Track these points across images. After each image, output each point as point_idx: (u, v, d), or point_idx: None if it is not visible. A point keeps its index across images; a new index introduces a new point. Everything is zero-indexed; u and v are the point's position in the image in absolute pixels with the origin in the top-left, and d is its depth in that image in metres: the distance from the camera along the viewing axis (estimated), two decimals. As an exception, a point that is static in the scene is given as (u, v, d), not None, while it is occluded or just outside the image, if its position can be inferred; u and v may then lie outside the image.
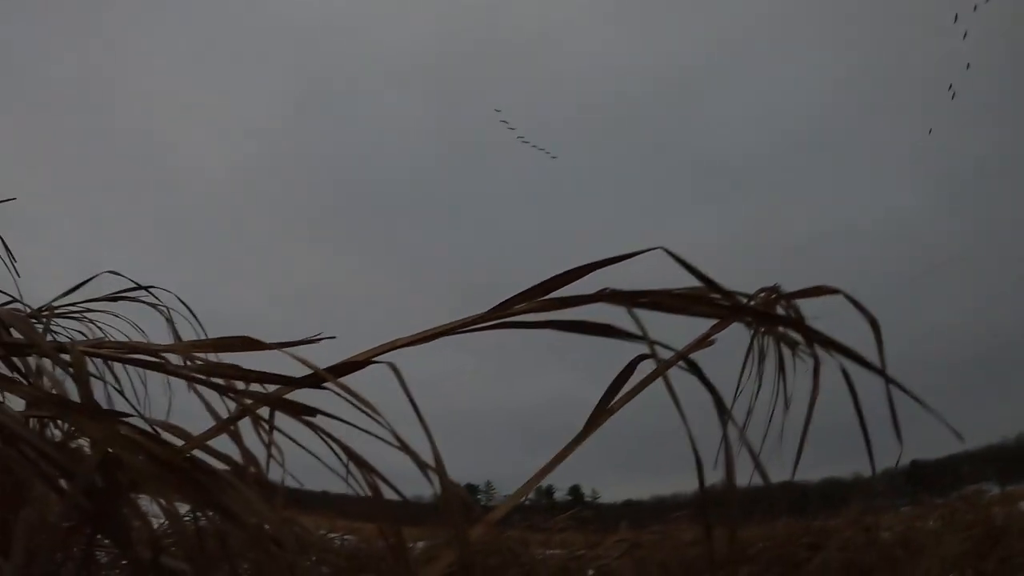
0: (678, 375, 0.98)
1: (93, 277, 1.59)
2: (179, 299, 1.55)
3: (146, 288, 1.57)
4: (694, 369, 1.03)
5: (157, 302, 1.56)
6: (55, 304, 1.49)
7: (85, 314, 1.48)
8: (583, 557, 4.08)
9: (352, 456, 0.85)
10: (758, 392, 1.24)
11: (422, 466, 0.82)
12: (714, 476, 0.95)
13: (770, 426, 1.14)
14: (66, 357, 0.81)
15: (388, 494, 0.88)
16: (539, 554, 4.13)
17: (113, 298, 1.55)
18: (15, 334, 0.96)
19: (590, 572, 4.32)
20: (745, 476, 0.98)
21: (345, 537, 4.26)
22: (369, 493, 0.85)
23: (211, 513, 0.86)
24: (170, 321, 1.55)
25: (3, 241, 1.69)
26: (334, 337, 0.98)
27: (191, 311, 1.54)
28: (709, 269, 1.02)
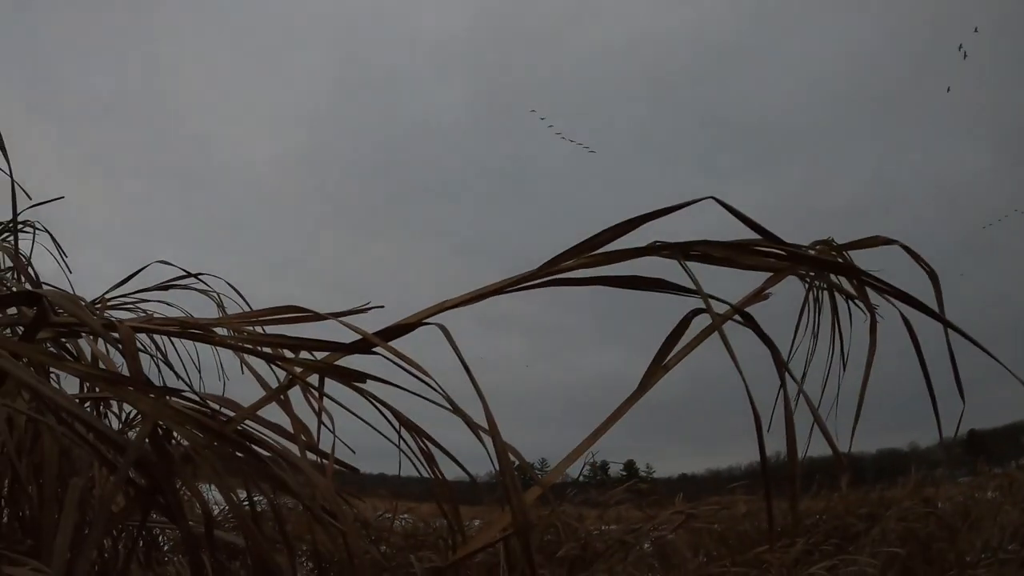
0: (733, 330, 0.96)
1: (144, 267, 1.60)
2: (229, 284, 1.56)
3: (196, 275, 1.58)
4: (750, 323, 1.00)
5: (208, 288, 1.57)
6: (108, 296, 1.50)
7: (138, 304, 1.49)
8: (639, 531, 4.04)
9: (404, 422, 0.83)
10: (813, 350, 1.20)
11: (474, 427, 0.80)
12: (771, 444, 0.92)
13: (825, 388, 1.11)
14: (115, 335, 0.81)
15: (442, 461, 0.87)
16: (595, 529, 4.12)
17: (164, 287, 1.56)
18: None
19: (646, 545, 4.30)
20: (801, 444, 0.95)
21: (403, 516, 4.29)
22: (422, 459, 0.84)
23: (264, 485, 0.85)
24: (221, 307, 1.56)
25: (54, 239, 1.71)
26: (382, 306, 0.97)
27: (241, 296, 1.54)
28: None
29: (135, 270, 1.58)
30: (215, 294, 1.57)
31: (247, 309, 1.49)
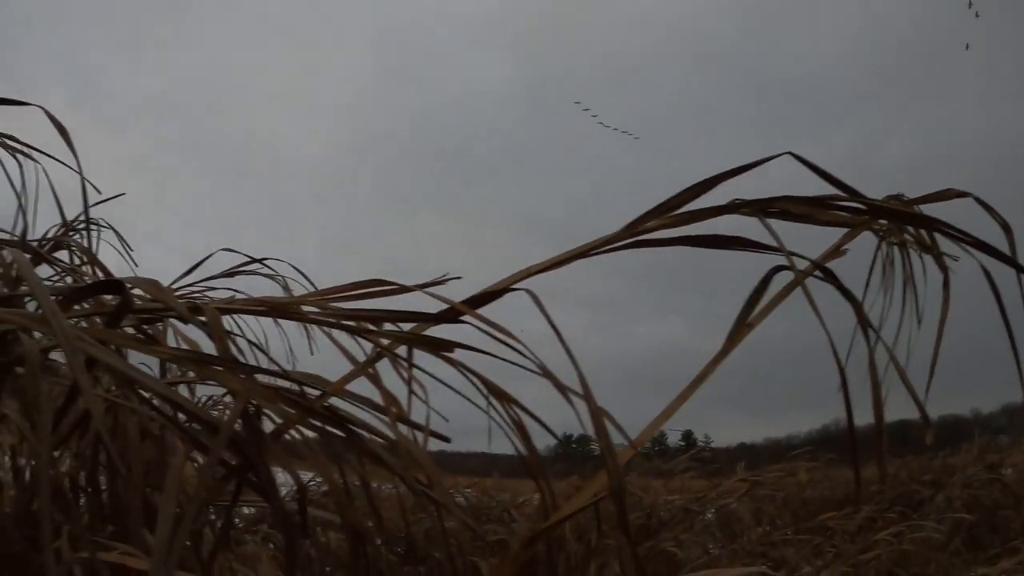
0: (801, 296, 0.94)
1: (209, 256, 1.61)
2: (294, 267, 1.56)
3: (260, 260, 1.58)
4: (831, 278, 0.97)
5: (274, 273, 1.57)
6: (175, 286, 1.51)
7: (205, 293, 1.50)
8: (704, 499, 4.03)
9: (494, 390, 0.82)
10: (888, 308, 1.17)
11: (563, 389, 0.79)
12: (835, 411, 0.90)
13: (895, 348, 1.07)
14: (201, 318, 0.81)
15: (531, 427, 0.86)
16: (660, 498, 4.11)
17: (230, 273, 1.57)
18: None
19: (709, 514, 4.28)
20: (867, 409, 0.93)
21: (465, 490, 4.33)
22: (512, 427, 0.83)
23: (354, 459, 0.85)
24: (287, 290, 1.56)
25: (119, 235, 1.72)
26: (460, 277, 0.96)
27: (306, 277, 1.54)
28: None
29: (198, 261, 1.60)
30: (281, 278, 1.58)
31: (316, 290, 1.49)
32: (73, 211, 1.57)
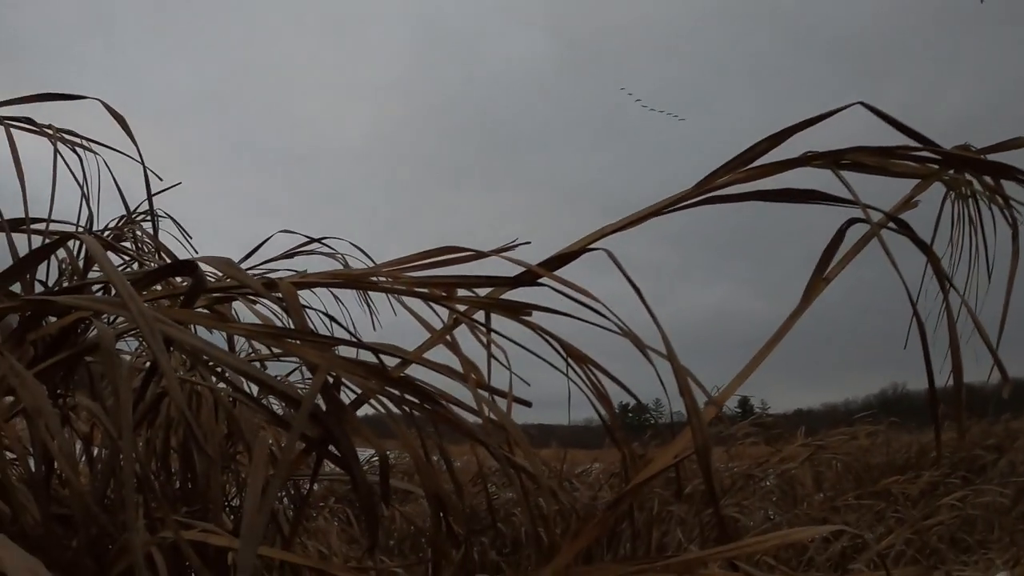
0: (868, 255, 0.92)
1: (268, 238, 1.62)
2: (353, 244, 1.56)
3: (319, 240, 1.58)
4: (906, 230, 0.95)
5: (333, 251, 1.57)
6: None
7: (266, 275, 1.51)
8: (765, 465, 3.99)
9: (573, 353, 0.81)
10: (957, 262, 1.14)
11: (642, 347, 0.77)
12: (893, 373, 0.88)
13: (964, 299, 1.04)
14: (276, 294, 0.80)
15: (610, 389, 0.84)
16: (721, 465, 4.09)
17: (290, 254, 1.57)
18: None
19: (770, 480, 4.24)
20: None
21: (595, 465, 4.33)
22: (590, 388, 0.82)
23: (435, 429, 0.85)
24: (347, 267, 1.56)
25: (177, 224, 1.74)
26: (529, 242, 0.95)
27: (366, 254, 1.54)
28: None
29: (258, 244, 1.60)
30: (340, 256, 1.58)
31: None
32: (130, 202, 1.59)
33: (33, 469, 1.26)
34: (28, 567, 0.56)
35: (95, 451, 1.38)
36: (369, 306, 1.15)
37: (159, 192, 1.51)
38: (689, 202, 0.86)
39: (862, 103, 0.97)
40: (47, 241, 1.32)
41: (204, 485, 1.17)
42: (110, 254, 1.39)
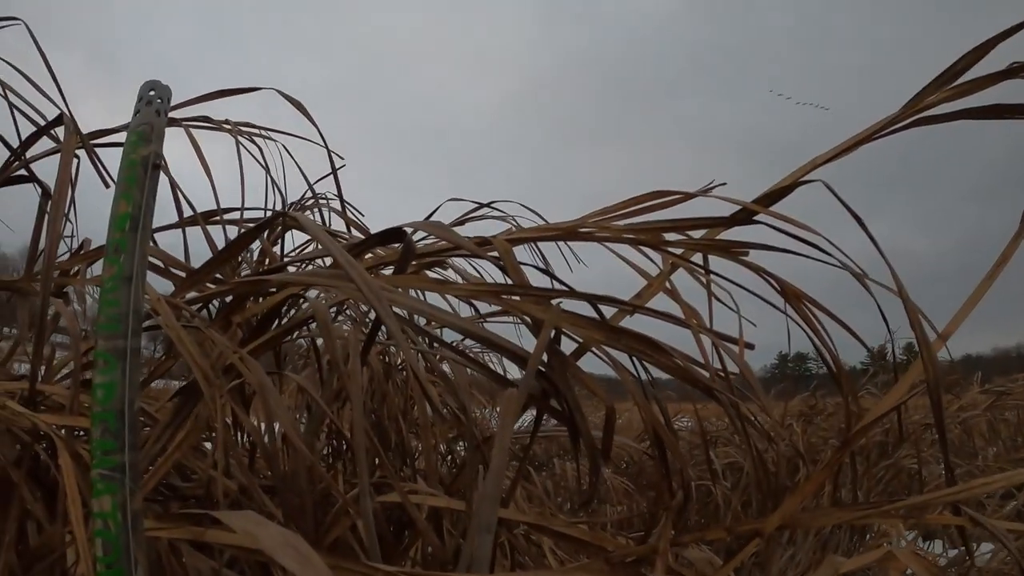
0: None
1: (438, 207, 1.65)
2: (523, 206, 1.56)
3: (488, 204, 1.60)
4: None
5: (503, 213, 1.59)
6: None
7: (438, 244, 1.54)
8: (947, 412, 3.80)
9: (792, 291, 0.79)
10: None
11: (862, 278, 0.75)
12: None
13: None
14: (491, 253, 0.82)
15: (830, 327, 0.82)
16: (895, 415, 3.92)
17: (461, 221, 1.60)
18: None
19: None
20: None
21: (683, 419, 4.28)
22: (812, 329, 0.80)
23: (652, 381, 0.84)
24: (520, 228, 1.57)
25: (344, 203, 1.80)
26: (725, 183, 0.92)
27: (537, 214, 1.54)
28: None
29: (429, 213, 1.64)
30: (512, 219, 1.59)
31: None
32: (297, 185, 1.65)
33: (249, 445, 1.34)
34: (287, 542, 0.57)
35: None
36: (576, 257, 1.15)
37: (338, 169, 1.56)
38: (899, 125, 0.82)
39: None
40: (244, 228, 1.40)
41: (410, 450, 1.22)
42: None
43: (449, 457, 1.88)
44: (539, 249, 1.05)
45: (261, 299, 1.12)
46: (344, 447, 1.50)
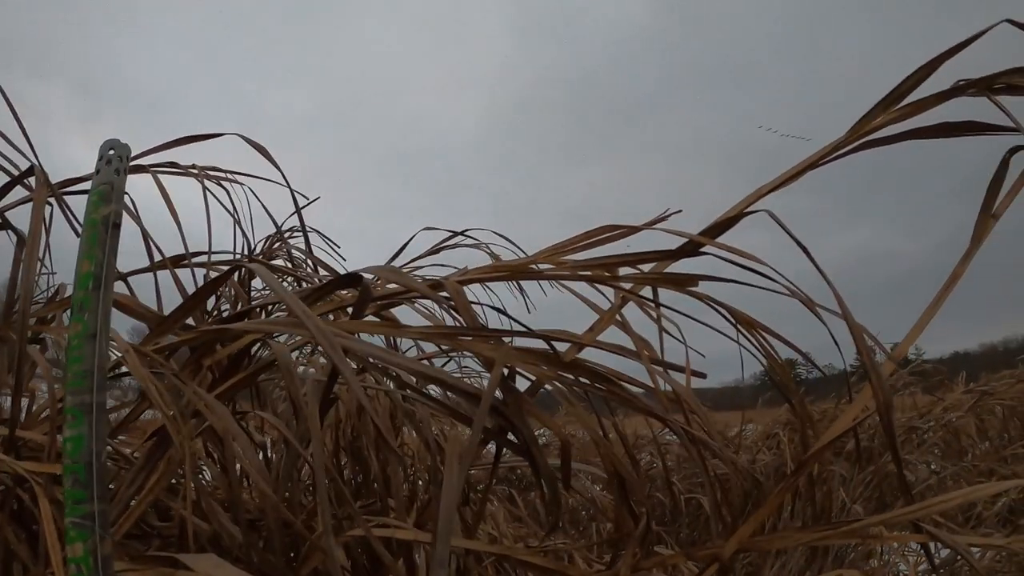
0: None
1: (412, 238, 1.66)
2: (496, 233, 1.57)
3: (461, 233, 1.61)
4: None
5: (477, 242, 1.59)
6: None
7: (413, 273, 1.55)
8: (928, 415, 3.82)
9: (741, 319, 0.80)
10: None
11: (810, 304, 0.76)
12: None
13: None
14: (442, 294, 0.83)
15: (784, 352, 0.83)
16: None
17: (435, 250, 1.61)
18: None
19: (930, 432, 4.06)
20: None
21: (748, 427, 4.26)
22: (761, 353, 0.81)
23: (609, 408, 0.85)
24: (495, 256, 1.58)
25: (324, 236, 1.80)
26: (680, 211, 0.94)
27: (511, 241, 1.55)
28: None
29: (402, 244, 1.65)
30: (485, 246, 1.60)
31: (521, 255, 1.51)
32: (264, 225, 1.66)
33: (216, 485, 1.35)
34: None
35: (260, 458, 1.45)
36: (523, 293, 1.16)
37: (303, 207, 1.57)
38: (845, 150, 0.84)
39: (1009, 20, 0.91)
40: (212, 274, 1.41)
41: (382, 482, 1.22)
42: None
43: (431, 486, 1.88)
44: (490, 288, 1.06)
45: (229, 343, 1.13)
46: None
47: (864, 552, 2.82)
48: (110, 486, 1.09)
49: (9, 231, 1.40)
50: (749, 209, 0.80)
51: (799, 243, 0.74)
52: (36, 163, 1.36)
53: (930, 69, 0.88)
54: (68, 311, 1.40)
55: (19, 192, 1.43)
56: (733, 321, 0.80)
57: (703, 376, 0.82)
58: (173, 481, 1.23)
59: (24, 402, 1.28)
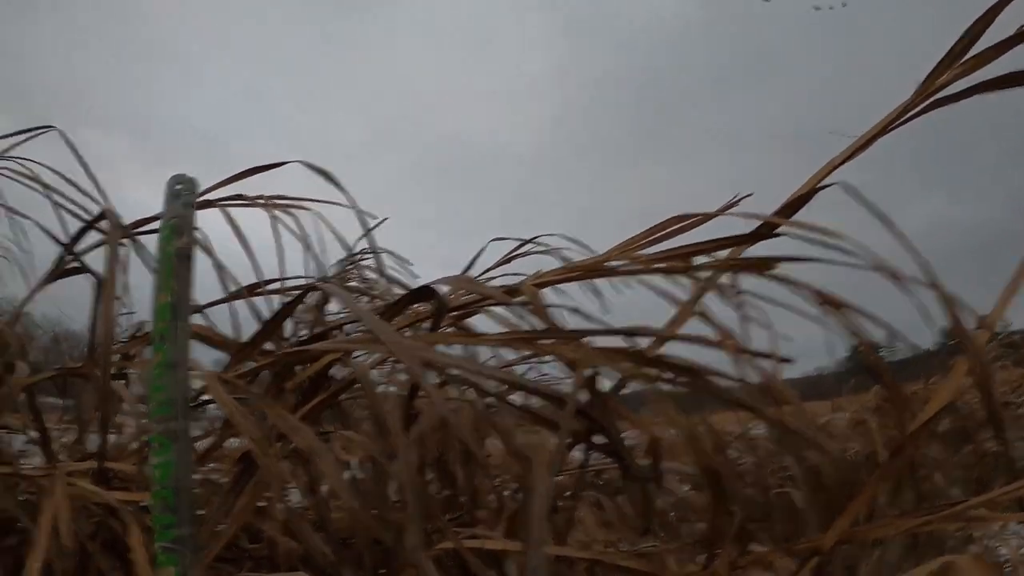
0: None
1: (483, 249, 1.66)
2: (567, 238, 1.55)
3: (531, 240, 1.60)
4: None
5: (547, 247, 1.58)
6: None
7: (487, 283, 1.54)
8: (1021, 388, 3.67)
9: (825, 299, 0.78)
10: None
11: (900, 278, 0.73)
12: None
13: None
14: (519, 299, 0.83)
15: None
16: (970, 396, 3.79)
17: (506, 260, 1.60)
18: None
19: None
20: None
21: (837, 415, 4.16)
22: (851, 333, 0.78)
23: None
24: (566, 260, 1.56)
25: (393, 254, 1.81)
26: (751, 194, 0.92)
27: (582, 244, 1.53)
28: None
29: (473, 256, 1.65)
30: (557, 252, 1.58)
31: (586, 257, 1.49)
32: (334, 250, 1.68)
33: (305, 505, 1.37)
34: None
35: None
36: (598, 293, 1.14)
37: (372, 228, 1.59)
38: (915, 111, 0.80)
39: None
40: (287, 298, 1.43)
41: (469, 493, 1.22)
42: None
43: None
44: (564, 292, 1.05)
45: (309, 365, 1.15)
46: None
47: (963, 538, 2.71)
48: (199, 511, 1.12)
49: (89, 274, 1.44)
50: (821, 184, 0.77)
51: (879, 214, 0.71)
52: (107, 206, 1.40)
53: (991, 17, 0.83)
54: (149, 345, 1.44)
55: (94, 237, 1.48)
56: (818, 303, 0.78)
57: (789, 361, 0.80)
58: (262, 504, 1.25)
59: (112, 437, 1.32)
